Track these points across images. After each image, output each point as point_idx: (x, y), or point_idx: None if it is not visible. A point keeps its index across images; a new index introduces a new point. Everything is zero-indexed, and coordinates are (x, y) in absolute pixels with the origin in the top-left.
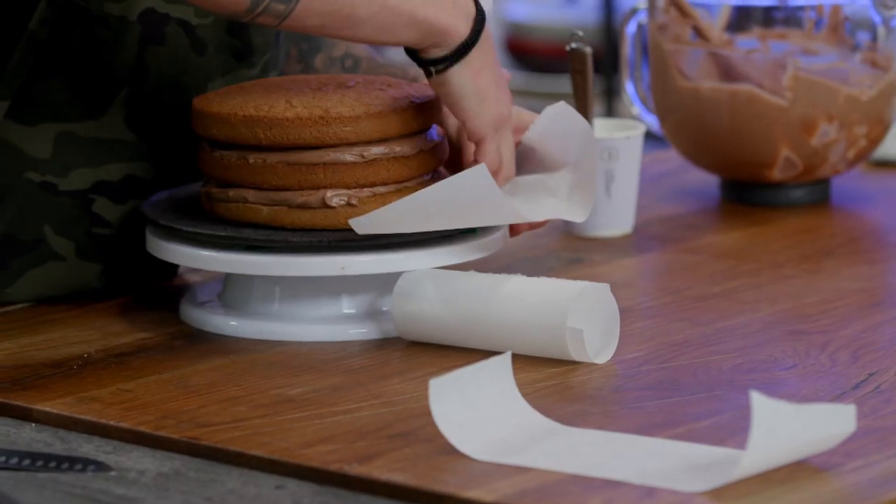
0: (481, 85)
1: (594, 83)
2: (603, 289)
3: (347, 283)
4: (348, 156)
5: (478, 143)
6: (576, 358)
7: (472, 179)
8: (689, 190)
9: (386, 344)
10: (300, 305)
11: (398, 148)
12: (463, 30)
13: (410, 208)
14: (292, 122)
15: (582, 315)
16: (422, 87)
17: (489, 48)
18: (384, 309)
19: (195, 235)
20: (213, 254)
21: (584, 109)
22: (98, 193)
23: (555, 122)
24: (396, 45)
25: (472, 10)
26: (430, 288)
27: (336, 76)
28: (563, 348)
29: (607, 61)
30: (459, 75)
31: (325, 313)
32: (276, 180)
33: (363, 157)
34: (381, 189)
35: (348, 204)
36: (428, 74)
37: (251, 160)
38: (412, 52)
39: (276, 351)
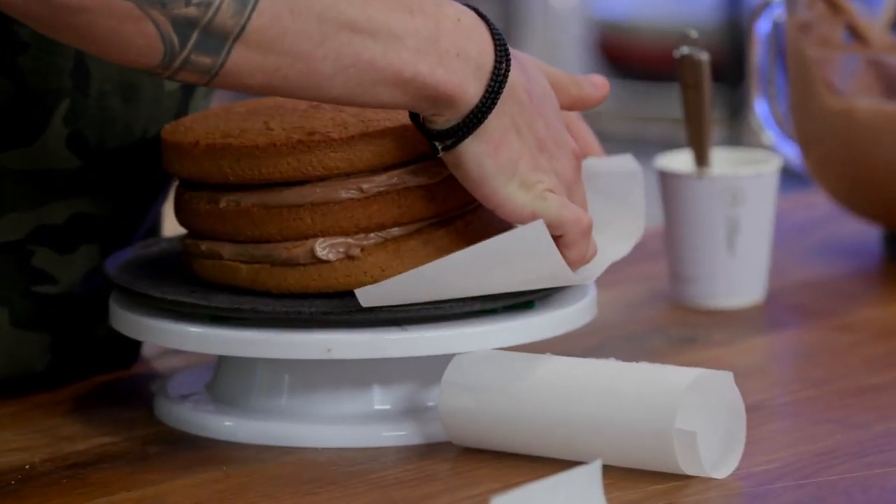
0: (506, 159)
1: (712, 100)
2: (724, 379)
3: (379, 369)
4: (342, 191)
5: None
6: (687, 471)
7: (528, 239)
8: (841, 245)
9: (431, 451)
10: (317, 399)
11: (410, 176)
12: (472, 91)
13: (440, 273)
14: (265, 150)
15: (695, 414)
16: None
17: (521, 104)
18: (429, 404)
19: (151, 301)
20: (164, 325)
21: (697, 135)
22: (38, 243)
23: (613, 175)
24: (382, 108)
25: (488, 62)
26: (489, 376)
27: None
28: (670, 457)
29: (730, 71)
30: (473, 152)
31: (351, 410)
32: (252, 229)
33: (362, 190)
34: (395, 231)
35: (347, 256)
36: (434, 151)
37: (222, 204)
38: (415, 116)
39: (284, 460)
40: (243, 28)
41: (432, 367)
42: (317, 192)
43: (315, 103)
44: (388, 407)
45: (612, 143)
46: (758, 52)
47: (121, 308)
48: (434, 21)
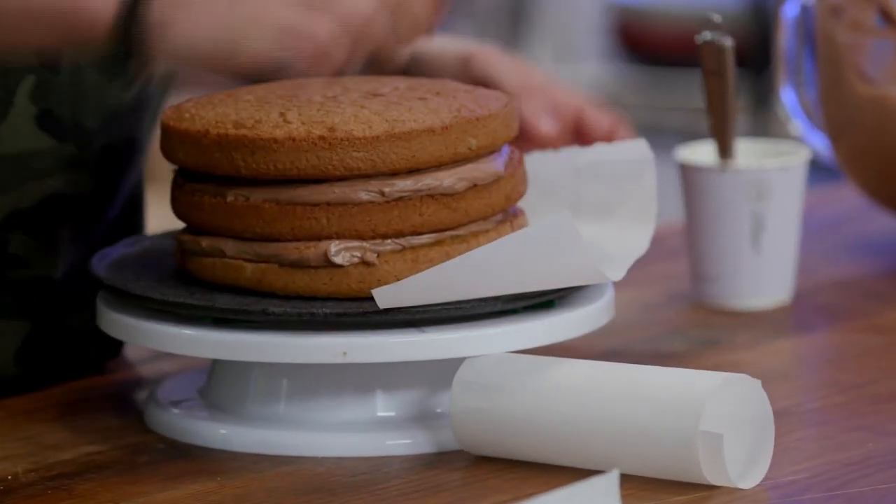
0: (197, 15)
1: (736, 88)
2: (750, 384)
3: (385, 373)
4: (362, 193)
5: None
6: (712, 480)
7: (552, 234)
8: (873, 243)
9: (439, 461)
10: (317, 406)
11: (435, 182)
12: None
13: (461, 271)
14: (282, 143)
15: (721, 419)
16: (489, 94)
17: None
18: (437, 410)
19: (150, 303)
20: (162, 328)
21: (720, 125)
22: (13, 229)
23: (623, 162)
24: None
25: None
26: (503, 376)
27: (379, 78)
28: (693, 465)
29: (756, 58)
30: (157, 26)
31: (353, 417)
32: (261, 226)
33: (384, 194)
34: (414, 240)
35: (362, 261)
36: (138, 61)
37: (230, 198)
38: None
39: (281, 470)
40: None
41: (441, 371)
42: (335, 192)
43: (332, 95)
44: (393, 413)
45: None
46: (785, 37)
47: (109, 309)
48: None
